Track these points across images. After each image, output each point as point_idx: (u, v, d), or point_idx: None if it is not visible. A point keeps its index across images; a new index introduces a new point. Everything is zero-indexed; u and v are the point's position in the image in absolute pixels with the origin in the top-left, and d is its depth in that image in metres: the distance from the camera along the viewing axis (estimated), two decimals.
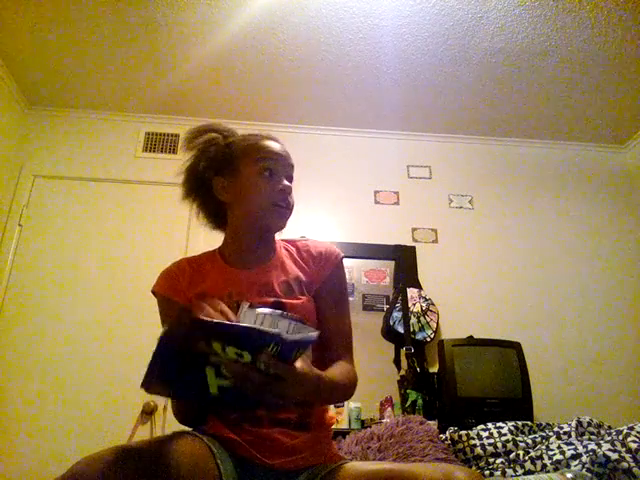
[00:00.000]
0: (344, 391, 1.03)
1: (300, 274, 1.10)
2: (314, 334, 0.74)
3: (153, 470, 0.73)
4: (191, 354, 0.69)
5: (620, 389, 2.65)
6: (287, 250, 1.16)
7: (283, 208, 1.09)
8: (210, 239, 1.27)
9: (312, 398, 0.91)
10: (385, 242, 2.83)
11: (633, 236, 3.05)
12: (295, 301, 1.04)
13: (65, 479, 0.69)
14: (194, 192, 1.17)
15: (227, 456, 0.91)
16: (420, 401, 2.26)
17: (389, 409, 2.31)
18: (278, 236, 1.18)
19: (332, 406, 2.19)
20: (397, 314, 2.56)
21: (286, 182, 1.10)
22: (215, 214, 1.19)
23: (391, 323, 2.54)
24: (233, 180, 1.11)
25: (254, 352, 0.67)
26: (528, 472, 1.44)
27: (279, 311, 0.74)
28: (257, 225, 1.10)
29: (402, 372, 2.43)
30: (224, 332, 0.66)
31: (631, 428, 1.37)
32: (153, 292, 1.10)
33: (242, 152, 1.12)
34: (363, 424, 2.27)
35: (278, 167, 1.11)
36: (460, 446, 1.67)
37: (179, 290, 1.08)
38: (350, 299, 2.77)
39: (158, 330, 0.75)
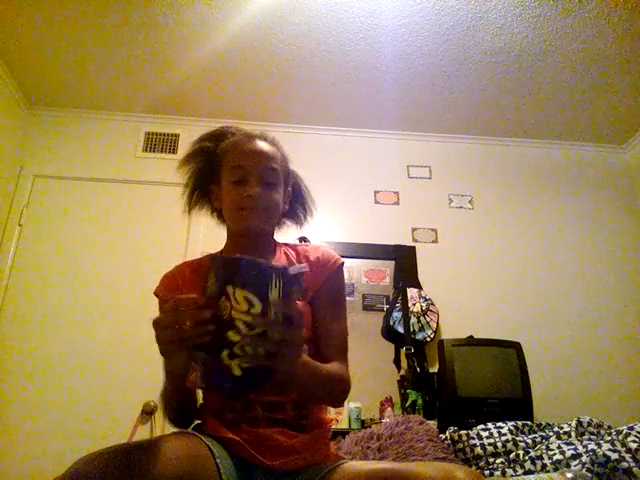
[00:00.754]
0: (331, 383, 1.00)
1: None
2: (305, 265, 0.79)
3: (152, 470, 0.72)
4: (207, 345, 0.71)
5: (620, 389, 2.65)
6: (287, 254, 1.16)
7: (247, 211, 1.06)
8: (209, 239, 1.28)
9: (300, 370, 0.87)
10: (385, 242, 2.83)
11: (633, 236, 3.04)
12: None
13: (64, 479, 0.69)
14: (196, 205, 1.20)
15: (227, 456, 0.91)
16: (420, 401, 2.26)
17: (389, 409, 2.31)
18: (281, 239, 1.20)
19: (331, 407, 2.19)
20: (397, 314, 2.56)
21: (256, 188, 1.06)
22: (220, 219, 1.22)
23: (391, 323, 2.54)
24: (220, 187, 1.13)
25: (262, 296, 0.69)
26: (528, 472, 1.44)
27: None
28: (238, 230, 1.12)
29: (402, 372, 2.43)
30: (230, 265, 0.70)
31: (631, 428, 1.37)
32: (156, 294, 1.12)
33: (222, 159, 1.13)
34: (363, 424, 2.27)
35: (247, 173, 1.08)
36: (460, 446, 1.67)
37: (179, 293, 1.08)
38: (350, 299, 2.79)
39: None
